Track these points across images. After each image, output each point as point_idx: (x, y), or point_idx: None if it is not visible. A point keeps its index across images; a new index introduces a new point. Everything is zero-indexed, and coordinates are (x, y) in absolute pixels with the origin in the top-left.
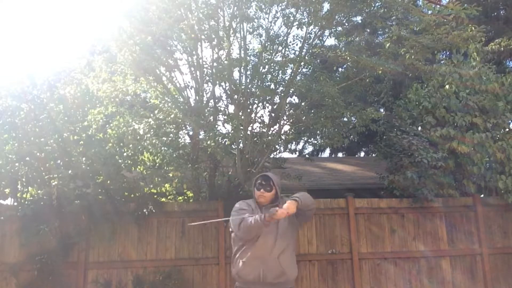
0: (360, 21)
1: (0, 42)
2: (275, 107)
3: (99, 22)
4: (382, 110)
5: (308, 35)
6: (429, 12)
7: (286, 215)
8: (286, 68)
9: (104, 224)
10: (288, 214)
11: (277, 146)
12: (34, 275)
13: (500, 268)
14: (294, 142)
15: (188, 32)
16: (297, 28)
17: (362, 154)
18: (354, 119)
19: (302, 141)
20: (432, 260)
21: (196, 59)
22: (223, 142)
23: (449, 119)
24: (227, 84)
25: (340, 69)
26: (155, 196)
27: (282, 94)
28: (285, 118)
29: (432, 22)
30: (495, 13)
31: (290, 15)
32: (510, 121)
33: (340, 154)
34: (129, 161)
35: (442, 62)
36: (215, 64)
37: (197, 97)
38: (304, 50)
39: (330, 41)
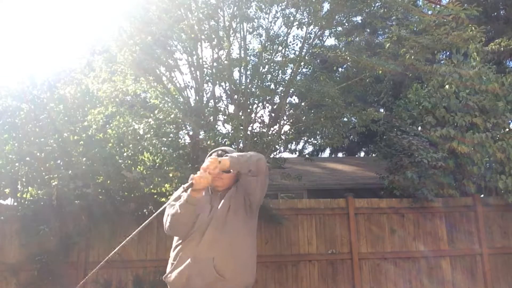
0: (360, 21)
1: (1, 42)
2: (275, 107)
3: (99, 22)
4: (382, 110)
5: (308, 35)
6: (429, 12)
7: (205, 179)
8: (286, 68)
9: (104, 224)
10: (210, 175)
11: (277, 146)
12: (34, 275)
13: (500, 268)
14: (294, 142)
15: (188, 32)
16: (297, 28)
17: (362, 154)
18: (354, 119)
19: (302, 141)
20: (432, 260)
21: (196, 59)
22: (223, 142)
23: (449, 119)
24: (227, 84)
25: (340, 69)
26: (155, 196)
27: (282, 94)
28: (285, 118)
29: (432, 22)
30: (495, 13)
31: (290, 15)
32: (510, 121)
33: (340, 154)
34: (129, 161)
35: (442, 62)
36: (215, 64)
37: (197, 97)
38: (304, 50)
39: (330, 41)
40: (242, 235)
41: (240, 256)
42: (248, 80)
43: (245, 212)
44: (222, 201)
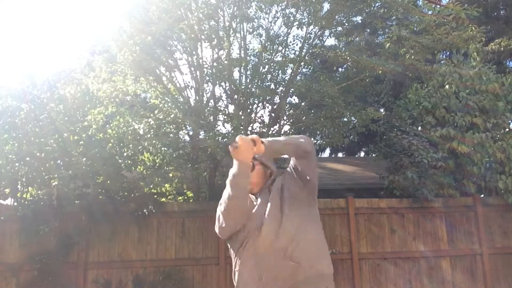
0: (360, 21)
1: (1, 42)
2: (275, 107)
3: (99, 22)
4: (382, 110)
5: (308, 35)
6: (429, 12)
7: (248, 145)
8: (286, 68)
9: (104, 224)
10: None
11: None
12: (34, 275)
13: (500, 268)
14: None
15: (188, 32)
16: (297, 28)
17: (362, 154)
18: (354, 119)
19: None
20: (432, 260)
21: (196, 59)
22: (223, 142)
23: (449, 119)
24: (227, 84)
25: (340, 69)
26: (155, 196)
27: (282, 94)
28: (285, 118)
29: (432, 23)
30: (495, 13)
31: (290, 15)
32: (510, 121)
33: (340, 154)
34: (129, 161)
35: (442, 62)
36: (215, 64)
37: (197, 97)
38: (304, 50)
39: (330, 41)
40: (308, 221)
41: (312, 241)
42: (248, 80)
43: (306, 199)
44: (271, 195)
